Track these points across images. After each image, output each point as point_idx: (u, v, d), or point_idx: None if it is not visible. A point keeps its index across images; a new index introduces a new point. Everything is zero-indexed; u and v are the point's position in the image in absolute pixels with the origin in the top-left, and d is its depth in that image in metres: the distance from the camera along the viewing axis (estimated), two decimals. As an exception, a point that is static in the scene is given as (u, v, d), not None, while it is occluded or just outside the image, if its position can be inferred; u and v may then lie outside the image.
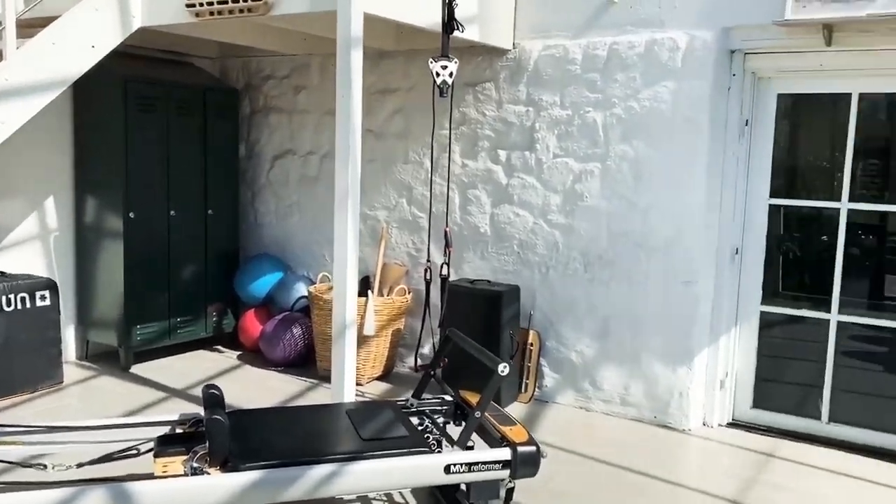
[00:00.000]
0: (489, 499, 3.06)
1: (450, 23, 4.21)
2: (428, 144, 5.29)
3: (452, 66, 4.26)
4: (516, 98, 4.94)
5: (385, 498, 3.43)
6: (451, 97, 4.30)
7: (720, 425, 4.58)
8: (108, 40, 4.19)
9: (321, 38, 5.04)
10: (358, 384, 4.39)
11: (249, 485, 2.72)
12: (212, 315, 5.74)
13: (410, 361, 5.49)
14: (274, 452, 2.87)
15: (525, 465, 3.01)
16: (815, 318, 4.46)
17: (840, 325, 4.35)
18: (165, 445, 2.97)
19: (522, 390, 4.86)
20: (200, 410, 3.12)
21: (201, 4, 4.11)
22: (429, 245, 4.84)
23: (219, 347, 5.87)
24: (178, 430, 3.16)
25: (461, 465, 2.93)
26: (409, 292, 5.35)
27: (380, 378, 5.26)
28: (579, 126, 4.72)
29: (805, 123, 4.63)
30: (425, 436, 3.17)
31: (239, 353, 5.77)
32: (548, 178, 4.85)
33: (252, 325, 5.72)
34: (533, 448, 3.04)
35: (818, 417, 4.39)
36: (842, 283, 4.32)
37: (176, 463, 2.85)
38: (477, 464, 2.95)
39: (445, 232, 4.48)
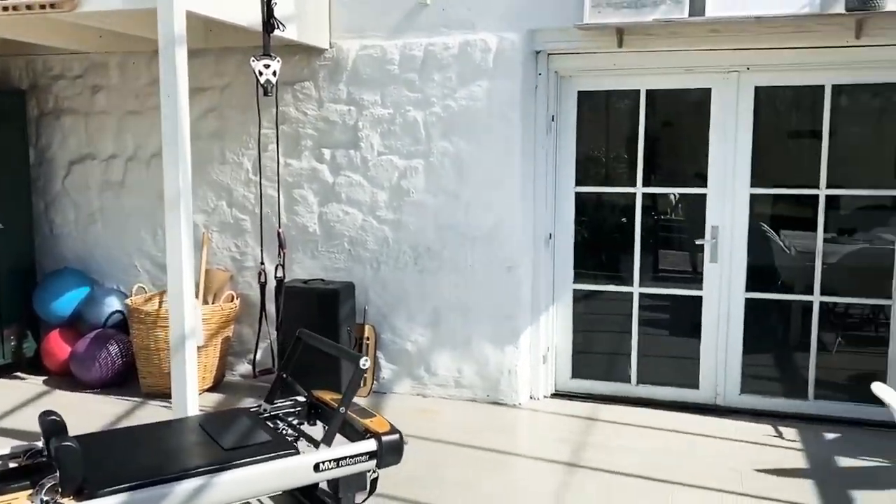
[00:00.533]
0: (357, 490, 3.12)
1: (269, 21, 4.17)
2: (246, 144, 5.20)
3: (275, 64, 4.23)
4: (337, 97, 4.99)
5: (244, 507, 3.36)
6: (276, 96, 4.27)
7: (545, 397, 4.98)
8: None
9: (120, 34, 4.76)
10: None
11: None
12: (10, 340, 5.21)
13: (241, 369, 5.36)
14: (133, 474, 2.72)
15: (390, 453, 3.11)
16: (620, 292, 4.98)
17: (641, 296, 4.89)
18: (1, 482, 2.70)
19: (361, 384, 4.94)
20: (32, 441, 2.88)
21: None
22: (261, 247, 4.75)
23: (19, 374, 5.34)
24: (12, 465, 2.88)
25: (330, 461, 2.96)
26: (236, 298, 5.21)
27: (211, 389, 5.07)
28: (401, 124, 4.88)
29: (603, 118, 5.15)
30: (287, 438, 3.16)
31: (44, 377, 5.29)
32: (374, 175, 4.96)
33: (58, 346, 5.26)
34: (396, 436, 3.14)
35: (628, 381, 4.92)
36: (640, 260, 4.87)
37: (20, 499, 2.60)
38: (345, 458, 3.00)
39: (279, 233, 4.44)
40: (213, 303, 5.13)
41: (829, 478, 3.77)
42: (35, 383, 5.20)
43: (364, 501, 3.25)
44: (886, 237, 4.68)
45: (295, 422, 3.49)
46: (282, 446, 3.02)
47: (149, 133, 5.33)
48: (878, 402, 2.92)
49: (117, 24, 4.37)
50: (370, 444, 3.07)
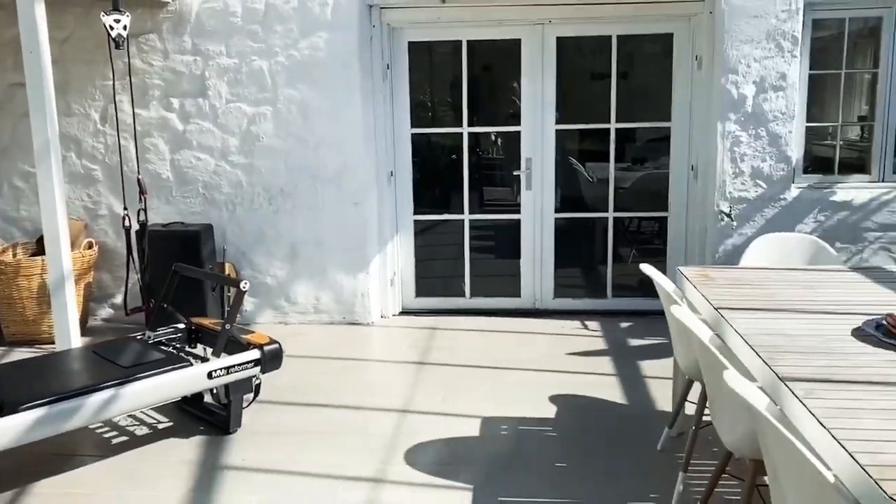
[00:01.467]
0: (244, 393, 3.66)
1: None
2: (92, 96, 5.34)
3: (125, 19, 4.48)
4: (182, 48, 5.25)
5: (133, 420, 3.78)
6: (127, 49, 4.51)
7: (394, 315, 5.66)
8: None
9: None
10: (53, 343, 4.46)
11: (33, 422, 2.94)
12: None
13: (103, 314, 5.58)
14: (48, 392, 3.09)
15: (272, 360, 3.66)
16: (453, 221, 5.72)
17: (471, 223, 5.66)
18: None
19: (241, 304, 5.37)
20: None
21: None
22: (123, 193, 4.98)
23: None
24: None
25: (221, 369, 3.47)
26: (94, 245, 5.40)
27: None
28: (247, 73, 5.24)
29: (432, 66, 5.78)
30: (179, 355, 3.61)
31: None
32: (224, 123, 5.31)
33: None
34: (276, 346, 3.70)
35: (463, 294, 5.72)
36: (469, 191, 5.61)
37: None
38: (234, 366, 3.51)
39: (139, 180, 4.73)
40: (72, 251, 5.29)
41: (623, 354, 4.77)
42: None
43: (250, 404, 3.79)
44: (665, 163, 5.72)
45: (177, 345, 3.93)
46: (177, 360, 3.48)
47: (-16, 86, 5.30)
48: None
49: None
50: (254, 353, 3.60)
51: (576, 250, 5.90)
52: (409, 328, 5.41)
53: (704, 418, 2.87)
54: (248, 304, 5.48)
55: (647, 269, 3.30)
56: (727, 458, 2.49)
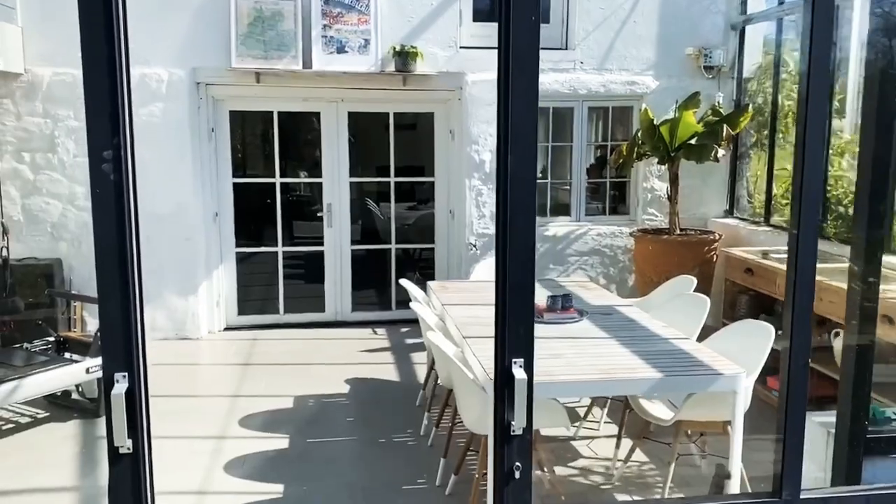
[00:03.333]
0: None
1: (-15, 58, 5.41)
2: (-53, 150, 6.17)
3: (-8, 92, 5.48)
4: (34, 111, 6.26)
5: (15, 413, 4.82)
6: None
7: (220, 331, 6.94)
8: None
9: None
10: None
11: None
12: None
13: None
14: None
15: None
16: (269, 252, 7.12)
17: (284, 254, 7.09)
18: None
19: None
20: None
21: None
22: (-15, 234, 5.88)
23: None
24: None
25: (96, 366, 4.65)
26: (-52, 278, 6.17)
27: (-70, 356, 6.03)
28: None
29: (251, 129, 7.17)
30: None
31: None
32: (71, 174, 6.36)
33: None
34: (137, 348, 4.92)
35: (278, 312, 7.12)
36: (282, 229, 7.05)
37: None
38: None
39: (1, 223, 5.69)
40: (-75, 284, 6.06)
41: (400, 350, 6.42)
42: None
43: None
44: (433, 205, 7.49)
45: (51, 352, 5.02)
46: (62, 360, 4.62)
47: None
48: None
49: None
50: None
51: (369, 273, 7.50)
52: (234, 340, 6.72)
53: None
54: (93, 324, 6.52)
55: (404, 282, 4.96)
56: (471, 437, 4.01)
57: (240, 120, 6.98)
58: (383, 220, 7.63)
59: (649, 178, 7.14)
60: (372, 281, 7.50)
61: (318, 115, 6.94)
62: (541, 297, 4.29)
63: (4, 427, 4.68)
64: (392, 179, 7.14)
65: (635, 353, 3.55)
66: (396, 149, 7.10)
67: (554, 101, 6.99)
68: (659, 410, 3.76)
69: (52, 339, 5.11)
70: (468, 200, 6.89)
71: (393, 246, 7.26)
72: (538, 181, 7.27)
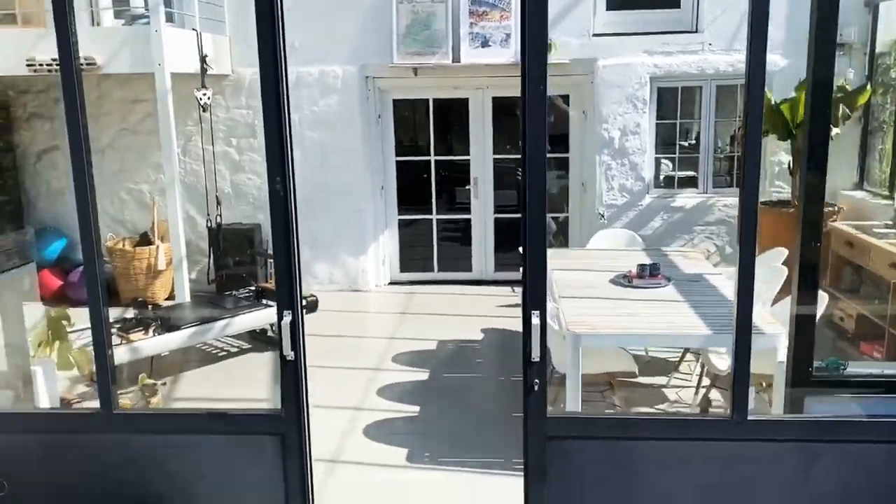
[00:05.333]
0: (297, 326, 6.19)
1: (204, 67, 6.90)
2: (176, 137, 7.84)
3: (209, 92, 6.99)
4: (239, 104, 7.76)
5: (227, 344, 6.31)
6: (210, 111, 7.02)
7: (385, 285, 8.22)
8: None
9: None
10: (154, 304, 6.99)
11: (188, 336, 5.47)
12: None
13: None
14: (194, 319, 5.61)
15: (313, 307, 6.22)
16: (425, 219, 8.27)
17: (437, 220, 8.22)
18: (126, 327, 5.50)
19: (270, 287, 7.91)
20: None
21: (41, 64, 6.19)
22: (207, 203, 7.49)
23: (22, 302, 7.73)
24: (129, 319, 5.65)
25: (285, 310, 6.00)
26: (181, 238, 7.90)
27: (168, 298, 7.80)
28: (284, 122, 7.75)
29: (410, 114, 8.32)
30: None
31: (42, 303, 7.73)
32: (268, 155, 7.81)
33: (50, 279, 7.70)
34: (315, 298, 6.26)
35: (432, 270, 8.28)
36: (436, 199, 8.16)
37: (137, 335, 5.42)
38: (292, 308, 6.05)
39: (216, 197, 7.24)
40: (163, 242, 7.81)
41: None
42: (39, 306, 7.64)
43: (299, 333, 6.33)
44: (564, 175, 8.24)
45: (252, 298, 6.47)
46: (260, 304, 6.03)
47: (100, 131, 7.78)
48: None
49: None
50: (304, 301, 6.15)
51: (509, 238, 8.45)
52: (395, 293, 7.98)
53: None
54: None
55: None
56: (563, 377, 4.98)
57: (401, 107, 8.13)
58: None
59: (777, 152, 7.46)
60: (512, 245, 8.44)
61: (466, 101, 7.92)
62: (634, 264, 5.05)
63: (219, 354, 6.19)
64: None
65: (700, 313, 4.25)
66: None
67: (682, 81, 7.49)
68: (723, 363, 4.44)
69: (252, 288, 6.56)
70: (598, 174, 7.61)
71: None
72: (663, 156, 7.84)
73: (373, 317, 7.36)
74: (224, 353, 6.21)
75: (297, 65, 7.65)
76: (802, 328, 2.86)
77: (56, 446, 2.91)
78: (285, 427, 2.84)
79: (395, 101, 8.01)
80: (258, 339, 6.40)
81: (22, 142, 7.91)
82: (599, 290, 4.81)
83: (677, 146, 7.72)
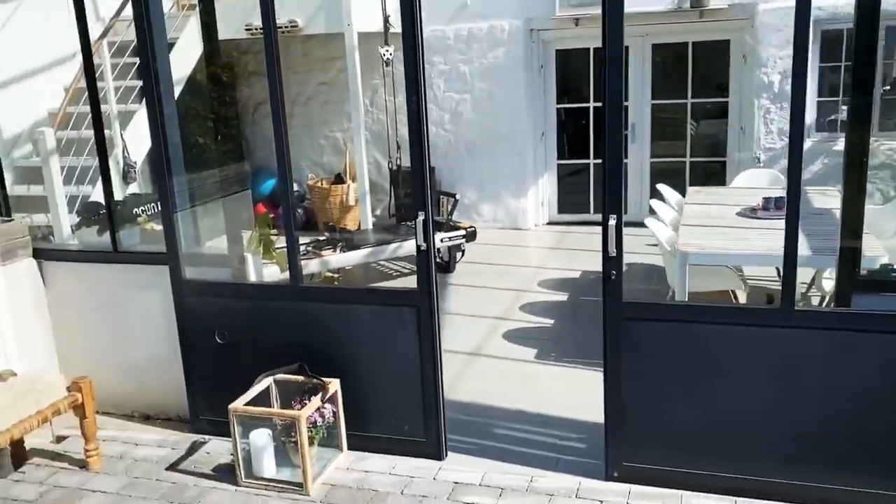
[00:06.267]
0: (456, 252, 7.11)
1: (386, 25, 7.89)
2: (376, 89, 8.97)
3: (392, 48, 7.98)
4: (418, 60, 8.71)
5: (401, 267, 7.35)
6: (392, 67, 8.03)
7: (543, 224, 8.92)
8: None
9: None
10: (342, 229, 8.16)
11: (365, 255, 6.54)
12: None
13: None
14: (376, 242, 6.69)
15: (472, 237, 7.09)
16: (582, 163, 8.83)
17: (594, 165, 8.74)
18: (319, 246, 6.68)
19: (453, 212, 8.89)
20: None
21: (257, 29, 7.47)
22: (388, 149, 8.60)
23: (242, 230, 9.32)
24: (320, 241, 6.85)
25: (448, 237, 6.93)
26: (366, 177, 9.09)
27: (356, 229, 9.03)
28: (455, 74, 8.62)
29: (571, 64, 8.86)
30: (425, 231, 7.13)
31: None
32: (441, 105, 8.74)
33: (263, 210, 9.20)
34: (474, 229, 7.12)
35: (588, 211, 8.85)
36: (593, 144, 8.68)
37: (327, 252, 6.57)
38: (455, 236, 6.96)
39: (397, 142, 8.28)
40: (353, 182, 9.03)
41: (681, 246, 7.73)
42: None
43: (459, 261, 7.25)
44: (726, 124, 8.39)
45: (422, 229, 7.44)
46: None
47: (304, 85, 9.08)
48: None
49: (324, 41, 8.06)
50: (463, 232, 7.04)
51: (665, 181, 8.77)
52: (551, 232, 8.67)
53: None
54: (456, 215, 8.96)
55: (661, 187, 6.31)
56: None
57: (562, 57, 8.68)
58: (680, 136, 8.77)
59: (952, 94, 7.17)
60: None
61: (626, 48, 8.29)
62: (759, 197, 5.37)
63: (392, 274, 7.26)
64: (689, 101, 8.26)
65: (809, 240, 4.57)
66: (693, 73, 8.17)
67: (848, 23, 7.37)
68: (829, 285, 4.73)
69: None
70: (756, 118, 7.74)
71: (688, 159, 8.44)
72: (826, 99, 7.74)
73: (527, 250, 8.11)
74: (397, 273, 7.27)
75: (468, 21, 8.47)
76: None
77: (259, 309, 3.99)
78: (419, 301, 3.70)
79: (557, 52, 8.57)
80: (426, 264, 7.40)
81: (243, 96, 9.44)
82: (722, 221, 5.22)
83: (841, 89, 7.63)
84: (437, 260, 7.22)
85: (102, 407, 4.43)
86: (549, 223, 8.96)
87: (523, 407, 4.31)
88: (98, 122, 4.23)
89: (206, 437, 4.12)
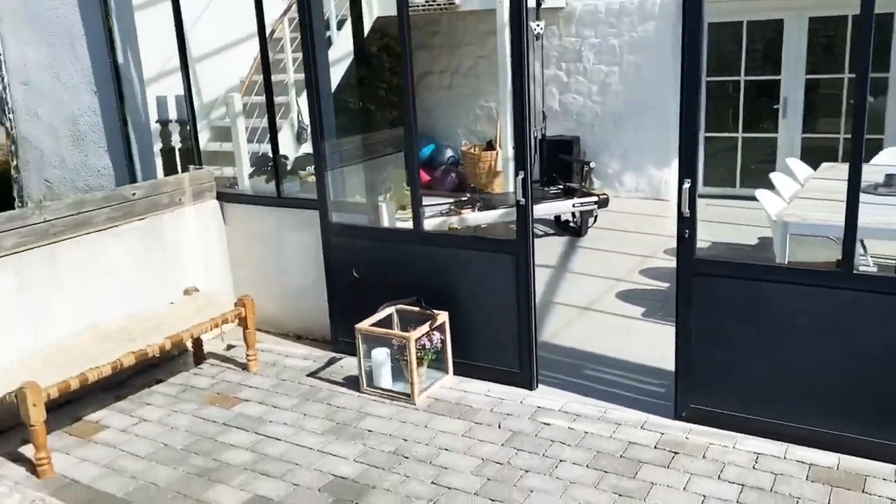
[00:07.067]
0: (588, 218, 7.51)
1: (537, 1, 8.34)
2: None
3: (542, 23, 8.42)
4: (570, 33, 9.09)
5: (539, 230, 7.86)
6: (541, 41, 8.47)
7: (686, 197, 9.03)
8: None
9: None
10: (482, 191, 8.75)
11: (499, 214, 7.13)
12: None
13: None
14: (499, 204, 7.27)
15: (604, 203, 7.45)
16: (728, 136, 8.82)
17: (742, 139, 8.71)
18: (460, 205, 7.36)
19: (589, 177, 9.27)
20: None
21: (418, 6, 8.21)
22: (532, 116, 9.08)
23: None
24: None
25: (581, 203, 7.35)
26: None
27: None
28: (605, 47, 8.90)
29: (721, 37, 8.84)
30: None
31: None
32: (590, 76, 9.07)
33: (422, 174, 10.02)
34: (606, 196, 7.48)
35: (734, 185, 8.84)
36: (743, 116, 8.64)
37: (466, 211, 7.22)
38: (586, 202, 7.37)
39: (542, 112, 8.75)
40: (501, 148, 9.61)
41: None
42: (412, 194, 10.04)
43: (591, 226, 7.65)
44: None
45: (557, 192, 7.91)
46: (561, 198, 7.46)
47: (462, 59, 9.74)
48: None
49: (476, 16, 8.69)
50: (594, 199, 7.43)
51: (817, 159, 8.57)
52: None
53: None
54: (596, 183, 9.31)
55: (790, 161, 6.34)
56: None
57: (714, 30, 8.68)
58: (834, 113, 8.49)
59: None
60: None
61: (780, 21, 8.19)
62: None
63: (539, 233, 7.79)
64: (846, 76, 8.02)
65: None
66: (852, 46, 7.91)
67: None
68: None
69: (561, 185, 8.00)
70: (918, 94, 7.41)
71: (841, 135, 8.21)
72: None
73: (664, 220, 8.29)
74: (539, 233, 7.79)
75: (620, -5, 8.70)
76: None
77: (387, 250, 4.72)
78: (517, 249, 4.25)
79: (710, 25, 8.58)
80: (560, 227, 7.87)
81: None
82: (839, 196, 5.26)
83: None
84: (571, 224, 7.71)
85: (265, 326, 5.40)
86: (692, 196, 9.04)
87: (617, 355, 4.75)
88: (269, 89, 5.12)
89: (342, 355, 4.94)
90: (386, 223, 5.27)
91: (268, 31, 7.65)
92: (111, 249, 4.73)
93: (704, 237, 7.55)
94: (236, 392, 4.57)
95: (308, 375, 4.73)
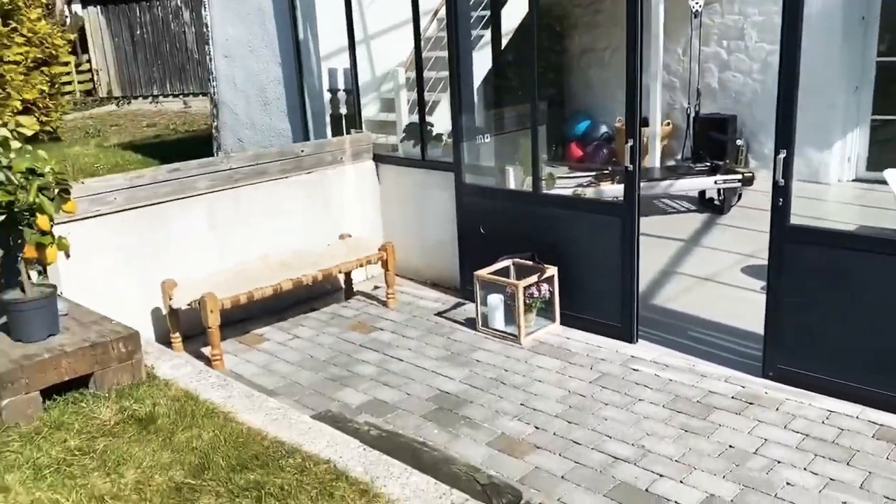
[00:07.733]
0: (732, 196, 7.56)
1: (698, -21, 8.38)
2: (677, 40, 9.52)
3: (701, 2, 8.46)
4: (732, 10, 9.01)
5: (680, 206, 7.99)
6: (700, 18, 8.51)
7: (848, 181, 8.72)
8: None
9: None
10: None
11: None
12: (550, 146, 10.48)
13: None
14: (654, 177, 7.50)
15: (749, 181, 7.47)
16: (902, 120, 8.41)
17: None
18: (600, 178, 7.69)
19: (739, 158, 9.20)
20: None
21: (576, -14, 8.55)
22: (688, 98, 9.15)
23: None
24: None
25: (724, 180, 7.43)
26: (670, 124, 9.72)
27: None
28: (769, 25, 8.75)
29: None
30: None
31: (566, 165, 10.50)
32: (752, 55, 8.96)
33: (575, 150, 10.38)
34: (752, 175, 7.49)
35: None
36: None
37: (605, 183, 7.54)
38: (730, 179, 7.43)
39: (698, 90, 8.79)
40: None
41: None
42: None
43: (735, 204, 7.68)
44: None
45: (700, 168, 7.99)
46: (702, 174, 7.58)
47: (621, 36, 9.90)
48: None
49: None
50: (739, 176, 7.47)
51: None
52: (855, 188, 8.47)
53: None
54: (752, 163, 9.20)
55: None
56: None
57: (889, 7, 8.26)
58: None
59: None
60: None
61: (965, -3, 7.67)
62: None
63: (669, 211, 7.97)
64: None
65: None
66: None
67: None
68: None
69: (708, 163, 8.07)
70: None
71: None
72: None
73: (818, 204, 8.09)
74: (672, 210, 7.97)
75: (787, -28, 8.51)
76: None
77: (510, 210, 5.25)
78: (623, 213, 4.62)
79: (884, 2, 8.20)
80: (703, 203, 7.96)
81: (571, 45, 10.62)
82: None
83: None
84: (715, 202, 7.80)
85: (408, 274, 6.15)
86: (856, 180, 8.72)
87: (722, 320, 4.98)
88: (419, 64, 5.79)
89: (467, 301, 5.56)
90: (512, 186, 5.80)
91: (434, 11, 8.38)
92: (282, 196, 5.64)
93: (859, 221, 7.38)
94: (374, 322, 5.34)
95: (435, 315, 5.40)
